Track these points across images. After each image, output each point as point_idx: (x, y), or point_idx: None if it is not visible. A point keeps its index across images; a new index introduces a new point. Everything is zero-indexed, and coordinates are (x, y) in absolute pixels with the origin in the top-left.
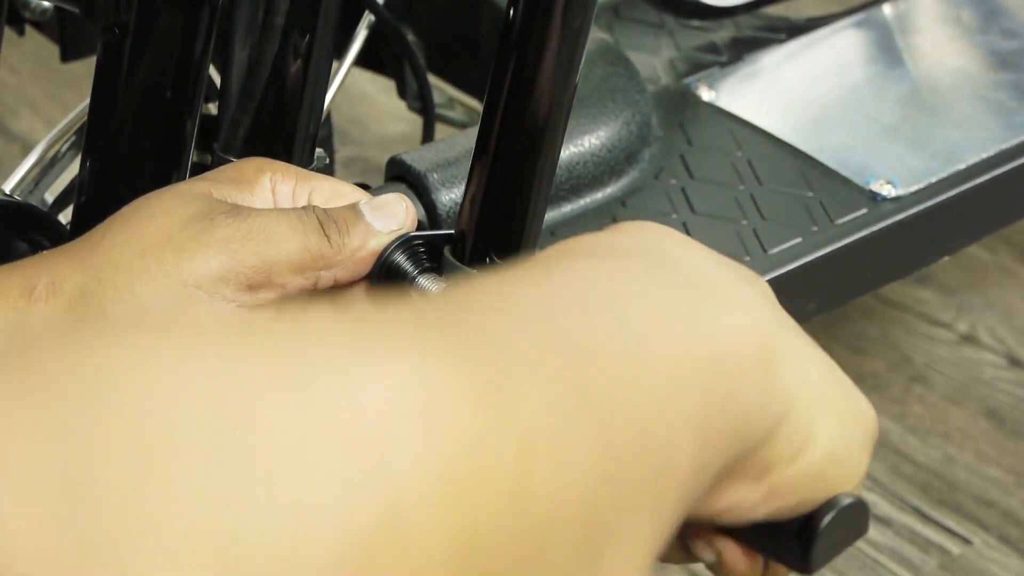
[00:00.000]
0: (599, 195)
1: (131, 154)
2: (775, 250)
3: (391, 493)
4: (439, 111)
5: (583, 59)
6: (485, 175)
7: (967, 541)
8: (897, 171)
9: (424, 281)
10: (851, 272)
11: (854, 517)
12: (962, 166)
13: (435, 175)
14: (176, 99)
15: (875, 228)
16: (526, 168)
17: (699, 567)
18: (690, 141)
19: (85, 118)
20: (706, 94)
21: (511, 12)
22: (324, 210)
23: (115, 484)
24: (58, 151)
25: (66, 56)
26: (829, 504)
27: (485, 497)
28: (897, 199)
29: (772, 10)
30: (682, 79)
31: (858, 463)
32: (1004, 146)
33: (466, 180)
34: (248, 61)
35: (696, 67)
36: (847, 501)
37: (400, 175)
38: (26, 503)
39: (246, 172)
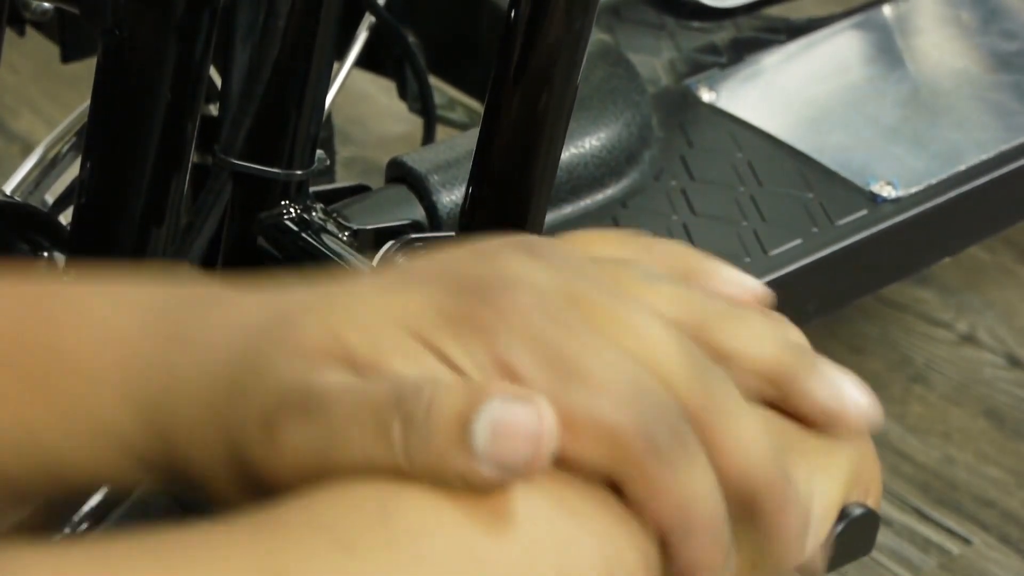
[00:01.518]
0: (599, 196)
1: (131, 155)
2: (775, 251)
3: None
4: (440, 112)
5: (584, 60)
6: (486, 177)
7: (967, 541)
8: (897, 172)
9: None
10: (851, 273)
11: (864, 529)
12: (962, 167)
13: (436, 176)
14: (176, 100)
15: (875, 229)
16: (527, 169)
17: None
18: (690, 142)
19: (86, 119)
20: (706, 95)
21: (512, 13)
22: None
23: None
24: (58, 152)
25: (67, 56)
26: (841, 514)
27: None
28: (897, 200)
29: (772, 11)
30: (682, 80)
31: None
32: (1004, 147)
33: (467, 182)
34: (249, 62)
35: (696, 68)
36: (858, 511)
37: (401, 176)
38: None
39: None
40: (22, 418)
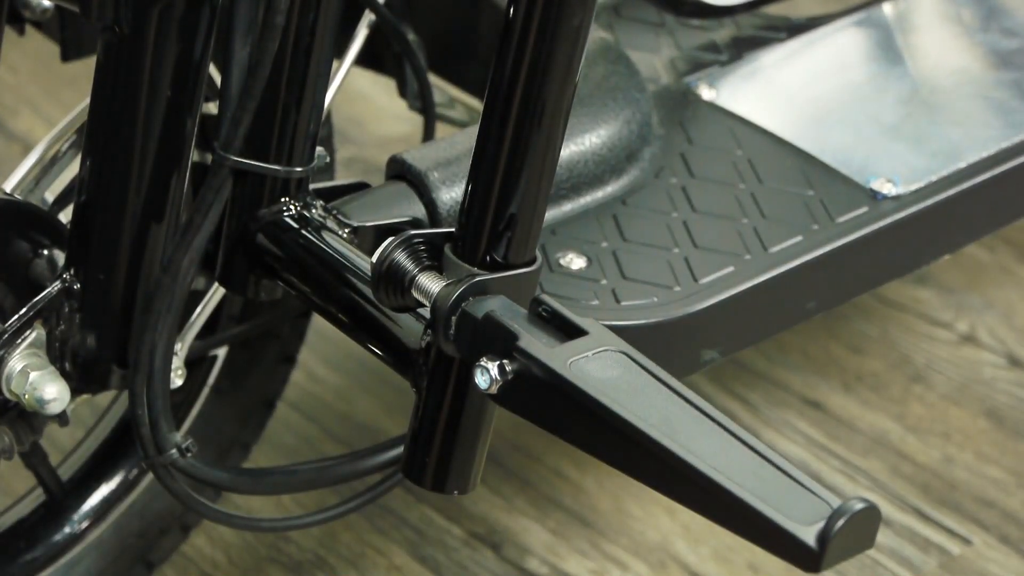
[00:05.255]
0: (600, 194)
1: (131, 153)
2: (776, 248)
3: None
4: (439, 110)
5: (583, 58)
6: (485, 174)
7: (967, 541)
8: (898, 170)
9: (424, 279)
10: (852, 270)
11: (864, 524)
12: (962, 165)
13: (435, 174)
14: (176, 98)
15: (876, 226)
16: (526, 167)
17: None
18: (691, 140)
19: (85, 117)
20: (706, 93)
21: (511, 11)
22: None
23: None
24: (58, 150)
25: (66, 56)
26: (841, 509)
27: None
28: (897, 198)
29: (772, 9)
30: (682, 78)
31: None
32: (1004, 145)
33: (466, 179)
34: (248, 60)
35: (696, 66)
36: (859, 506)
37: (400, 174)
38: None
39: None
40: None
